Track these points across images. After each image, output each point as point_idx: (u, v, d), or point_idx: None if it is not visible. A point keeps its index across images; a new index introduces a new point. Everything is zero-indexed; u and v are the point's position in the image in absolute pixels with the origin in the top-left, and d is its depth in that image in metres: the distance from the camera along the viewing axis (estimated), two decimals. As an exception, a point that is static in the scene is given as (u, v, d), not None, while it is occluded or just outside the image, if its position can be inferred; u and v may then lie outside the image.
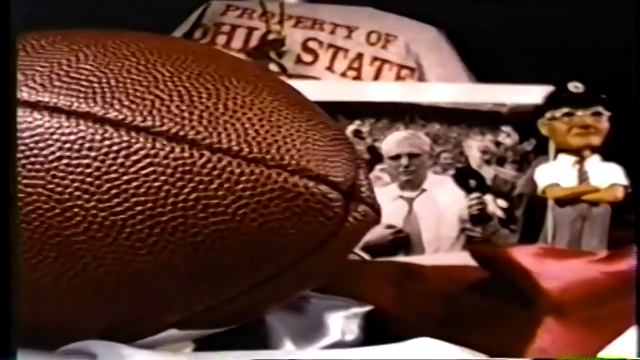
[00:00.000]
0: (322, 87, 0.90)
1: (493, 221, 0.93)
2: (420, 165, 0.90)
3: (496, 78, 0.97)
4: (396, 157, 0.90)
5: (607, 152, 0.83)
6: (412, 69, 1.04)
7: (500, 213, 0.93)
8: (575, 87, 0.82)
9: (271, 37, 1.02)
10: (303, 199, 0.44)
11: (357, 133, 0.89)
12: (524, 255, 0.72)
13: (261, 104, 0.46)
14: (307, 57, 1.02)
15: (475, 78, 1.09)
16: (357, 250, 0.89)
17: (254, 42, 1.02)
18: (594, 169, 0.82)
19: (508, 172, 0.93)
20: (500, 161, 0.93)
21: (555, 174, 0.82)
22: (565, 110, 0.81)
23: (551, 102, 0.83)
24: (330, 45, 1.03)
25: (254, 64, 0.57)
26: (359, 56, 1.04)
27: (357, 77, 1.03)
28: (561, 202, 0.82)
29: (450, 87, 0.93)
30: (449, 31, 1.09)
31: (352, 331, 0.61)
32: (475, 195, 0.92)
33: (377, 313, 0.64)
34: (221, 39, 1.01)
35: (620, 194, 0.81)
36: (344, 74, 1.02)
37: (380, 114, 0.90)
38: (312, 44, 1.02)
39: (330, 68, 1.02)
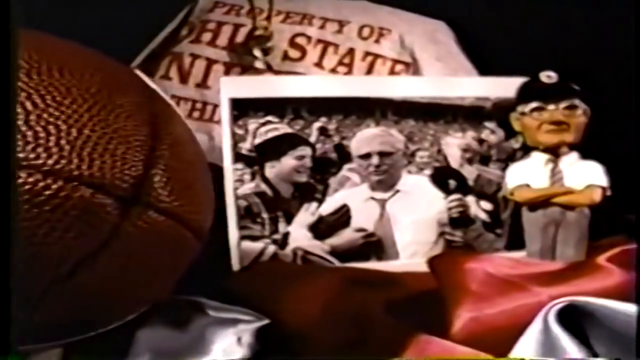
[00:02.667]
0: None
1: (476, 225, 0.78)
2: (392, 164, 0.77)
3: (504, 73, 0.83)
4: (366, 156, 0.77)
5: (588, 149, 0.68)
6: (407, 64, 0.91)
7: (483, 216, 0.78)
8: (547, 77, 0.67)
9: (257, 33, 0.90)
10: (55, 203, 0.34)
11: (323, 131, 0.77)
12: (476, 269, 0.58)
13: (41, 100, 0.35)
14: (295, 53, 0.89)
15: (480, 73, 0.94)
16: (324, 254, 0.77)
17: (240, 38, 0.91)
18: (570, 169, 0.67)
19: (492, 171, 0.78)
20: (484, 160, 0.79)
21: (526, 173, 0.68)
22: (534, 104, 0.66)
23: (521, 94, 0.68)
24: (319, 41, 0.91)
25: (101, 57, 0.46)
26: (350, 51, 0.91)
27: (349, 73, 0.90)
28: (531, 205, 0.67)
29: (424, 80, 0.80)
30: (451, 23, 0.95)
31: (236, 350, 0.49)
32: (455, 196, 0.78)
33: (277, 328, 0.52)
34: (206, 37, 0.90)
35: (597, 196, 0.65)
36: (334, 70, 0.90)
37: (348, 109, 0.77)
38: (299, 40, 0.90)
39: (319, 64, 0.90)
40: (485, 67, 0.93)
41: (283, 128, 0.76)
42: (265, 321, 0.52)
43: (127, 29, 0.92)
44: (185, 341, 0.49)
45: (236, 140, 0.75)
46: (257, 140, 0.75)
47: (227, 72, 0.87)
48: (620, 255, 0.56)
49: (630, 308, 0.43)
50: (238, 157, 0.75)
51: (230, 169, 0.75)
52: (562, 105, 0.65)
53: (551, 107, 0.66)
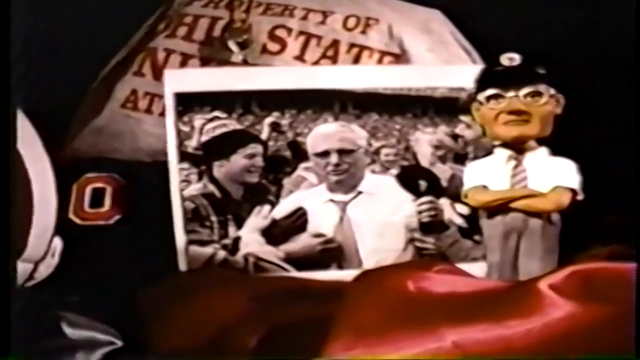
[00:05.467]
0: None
1: (450, 230, 0.63)
2: (354, 163, 0.63)
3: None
4: (324, 154, 0.63)
5: (560, 144, 0.52)
6: (396, 56, 0.76)
7: (459, 221, 0.63)
8: (509, 59, 0.52)
9: (235, 26, 0.78)
10: None
11: (275, 126, 0.63)
12: (398, 289, 0.43)
13: None
14: (274, 46, 0.76)
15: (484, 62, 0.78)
16: (278, 261, 0.63)
17: (217, 32, 0.78)
18: (536, 167, 0.51)
19: (469, 171, 0.62)
20: (459, 158, 0.63)
21: (484, 173, 0.52)
22: (491, 91, 0.51)
23: (479, 81, 0.53)
24: (301, 33, 0.77)
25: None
26: (335, 43, 0.77)
27: (333, 66, 0.76)
28: (490, 210, 0.52)
29: (389, 69, 0.65)
30: (448, 12, 0.79)
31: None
32: (426, 199, 0.63)
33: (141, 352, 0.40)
34: (182, 31, 0.78)
35: (564, 200, 0.49)
36: (316, 63, 0.76)
37: (303, 103, 0.63)
38: (279, 32, 0.77)
39: (300, 57, 0.76)
40: (490, 57, 0.77)
41: (232, 124, 0.63)
42: (117, 344, 0.40)
43: (110, 25, 0.81)
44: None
45: (181, 137, 0.63)
46: (204, 138, 0.63)
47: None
48: (570, 280, 0.40)
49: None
50: (184, 155, 0.63)
51: (175, 169, 0.62)
52: (524, 92, 0.50)
53: (510, 94, 0.50)
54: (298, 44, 0.76)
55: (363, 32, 0.76)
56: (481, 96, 0.51)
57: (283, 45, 0.76)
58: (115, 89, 0.75)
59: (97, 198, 0.67)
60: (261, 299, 0.46)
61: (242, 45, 0.75)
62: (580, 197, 0.49)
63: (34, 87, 0.75)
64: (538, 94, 0.50)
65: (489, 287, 0.42)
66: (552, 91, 0.50)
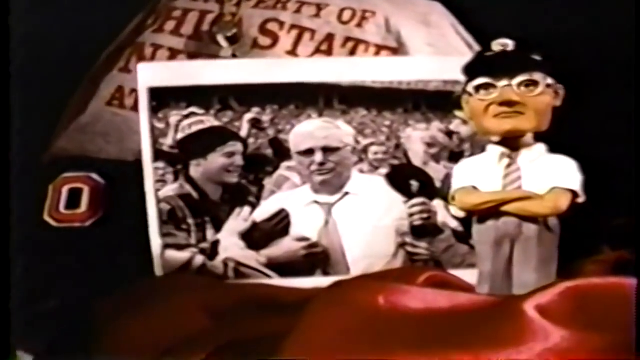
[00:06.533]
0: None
1: (444, 234, 0.56)
2: (340, 162, 0.56)
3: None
4: (308, 153, 0.56)
5: (559, 140, 0.44)
6: (393, 50, 0.69)
7: (454, 224, 0.56)
8: (502, 45, 0.44)
9: (225, 20, 0.72)
10: None
11: (255, 123, 0.57)
12: (368, 304, 0.36)
13: None
14: (265, 41, 0.70)
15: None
16: (259, 266, 0.57)
17: (206, 26, 0.72)
18: (531, 166, 0.44)
19: (464, 170, 0.55)
20: (454, 156, 0.56)
21: (474, 172, 0.45)
22: (481, 80, 0.44)
23: (467, 69, 0.46)
24: (293, 26, 0.71)
25: None
26: (329, 37, 0.71)
27: (327, 62, 0.70)
28: (480, 215, 0.45)
29: (376, 61, 0.58)
30: (448, 3, 0.73)
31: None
32: (418, 200, 0.56)
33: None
34: (170, 25, 0.72)
35: (562, 203, 0.42)
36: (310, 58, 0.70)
37: (285, 97, 0.57)
38: (271, 26, 0.71)
39: (292, 52, 0.70)
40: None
41: (209, 121, 0.57)
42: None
43: (102, 21, 0.76)
44: None
45: (156, 135, 0.57)
46: (180, 135, 0.57)
47: (191, 64, 0.69)
48: (561, 300, 0.32)
49: None
50: (159, 154, 0.57)
51: (150, 168, 0.57)
52: (517, 80, 0.43)
53: (502, 83, 0.43)
54: (290, 38, 0.70)
55: (359, 25, 0.70)
56: (470, 86, 0.44)
57: (275, 39, 0.70)
58: (101, 86, 0.70)
59: (74, 199, 0.62)
60: (220, 312, 0.40)
61: (232, 40, 0.69)
62: (581, 199, 0.42)
63: (28, 85, 0.70)
64: (533, 83, 0.43)
65: (469, 306, 0.35)
66: (550, 80, 0.43)
